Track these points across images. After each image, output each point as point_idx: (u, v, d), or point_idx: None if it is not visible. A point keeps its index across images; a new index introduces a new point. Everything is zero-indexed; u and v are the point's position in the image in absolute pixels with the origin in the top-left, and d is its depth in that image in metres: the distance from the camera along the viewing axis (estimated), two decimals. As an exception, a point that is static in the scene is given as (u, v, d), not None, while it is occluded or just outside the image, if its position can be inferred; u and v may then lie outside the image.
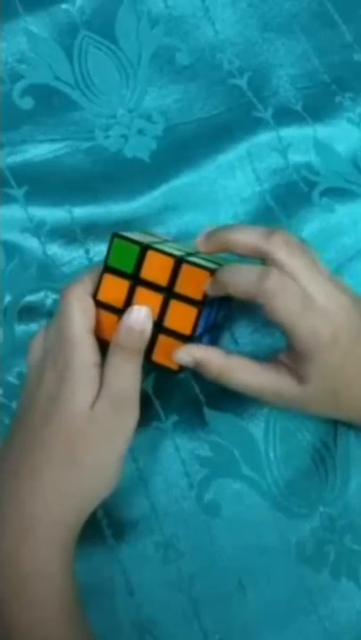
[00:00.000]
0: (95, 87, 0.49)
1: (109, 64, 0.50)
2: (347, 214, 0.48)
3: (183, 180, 0.47)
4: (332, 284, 0.36)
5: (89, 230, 0.46)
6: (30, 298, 0.45)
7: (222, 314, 0.42)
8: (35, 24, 0.50)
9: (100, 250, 0.46)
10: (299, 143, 0.49)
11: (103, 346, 0.37)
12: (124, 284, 0.37)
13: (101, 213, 0.46)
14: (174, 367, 0.37)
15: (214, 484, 0.43)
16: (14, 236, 0.46)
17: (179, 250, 0.38)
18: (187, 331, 0.36)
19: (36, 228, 0.46)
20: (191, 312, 0.36)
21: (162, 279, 0.36)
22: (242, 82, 0.50)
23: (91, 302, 0.37)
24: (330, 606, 0.42)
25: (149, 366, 0.37)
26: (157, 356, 0.37)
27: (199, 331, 0.37)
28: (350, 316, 0.36)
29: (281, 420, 0.44)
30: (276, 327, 0.36)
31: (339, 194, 0.48)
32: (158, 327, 0.36)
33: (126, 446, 0.36)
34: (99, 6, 0.51)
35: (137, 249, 0.36)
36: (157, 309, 0.36)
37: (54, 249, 0.46)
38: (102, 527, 0.42)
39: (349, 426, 0.43)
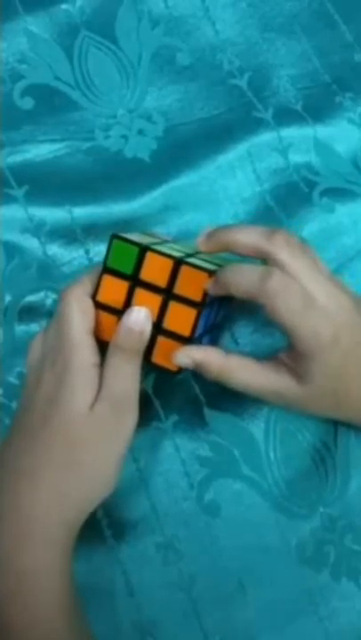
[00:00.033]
0: (95, 87, 0.49)
1: (110, 64, 0.50)
2: (347, 214, 0.48)
3: (183, 181, 0.47)
4: (332, 284, 0.36)
5: (89, 230, 0.46)
6: (30, 298, 0.45)
7: (222, 314, 0.42)
8: (35, 24, 0.50)
9: (100, 250, 0.46)
10: (299, 143, 0.49)
11: (102, 347, 0.37)
12: (123, 286, 0.36)
13: (102, 213, 0.46)
14: (173, 368, 0.37)
15: (215, 485, 0.43)
16: (14, 236, 0.46)
17: (178, 251, 0.38)
18: (186, 332, 0.36)
19: (36, 228, 0.46)
20: (190, 313, 0.36)
21: (161, 280, 0.36)
22: (242, 82, 0.50)
23: (90, 303, 0.37)
24: (330, 606, 0.42)
25: (149, 367, 0.37)
26: (157, 358, 0.37)
27: (198, 332, 0.37)
28: (351, 316, 0.36)
29: (281, 421, 0.44)
30: (277, 327, 0.36)
31: (339, 194, 0.48)
32: (157, 328, 0.36)
33: (126, 447, 0.36)
34: (99, 6, 0.51)
35: (136, 250, 0.36)
36: (157, 311, 0.36)
37: (54, 249, 0.46)
38: (102, 527, 0.42)
39: (349, 426, 0.43)
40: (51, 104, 0.49)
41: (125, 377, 0.36)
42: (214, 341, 0.43)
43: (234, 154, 0.48)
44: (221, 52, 0.51)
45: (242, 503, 0.43)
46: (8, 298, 0.45)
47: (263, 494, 0.43)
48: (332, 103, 0.50)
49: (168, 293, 0.36)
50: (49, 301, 0.45)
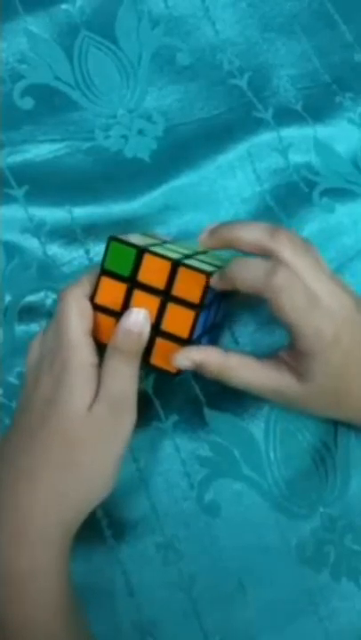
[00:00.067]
0: (95, 87, 0.49)
1: (110, 64, 0.50)
2: (347, 214, 0.48)
3: (183, 180, 0.47)
4: (334, 283, 0.36)
5: (89, 230, 0.46)
6: (30, 298, 0.45)
7: (222, 313, 0.42)
8: (35, 24, 0.50)
9: (100, 250, 0.46)
10: (299, 143, 0.49)
11: (101, 348, 0.37)
12: (121, 288, 0.36)
13: (102, 213, 0.46)
14: (173, 370, 0.36)
15: (215, 485, 0.43)
16: (14, 236, 0.46)
17: (176, 252, 0.37)
18: (184, 334, 0.36)
19: (36, 228, 0.46)
20: (189, 315, 0.36)
21: (159, 282, 0.36)
22: (242, 82, 0.50)
23: (88, 305, 0.37)
24: (330, 607, 0.42)
25: (148, 368, 0.37)
26: (155, 360, 0.37)
27: (197, 333, 0.37)
28: (352, 315, 0.36)
29: (281, 421, 0.44)
30: (278, 325, 0.36)
31: (339, 194, 0.48)
32: (156, 330, 0.36)
33: (124, 448, 0.36)
34: (99, 6, 0.51)
35: (133, 252, 0.36)
36: (155, 312, 0.36)
37: (54, 249, 0.46)
38: (102, 527, 0.42)
39: (350, 426, 0.43)
40: (51, 104, 0.49)
41: (124, 378, 0.36)
42: (214, 341, 0.43)
43: (234, 154, 0.48)
44: (221, 52, 0.51)
45: (242, 503, 0.43)
46: (8, 298, 0.45)
47: (263, 494, 0.43)
48: (332, 103, 0.50)
49: (166, 295, 0.36)
50: (49, 301, 0.45)
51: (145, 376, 0.44)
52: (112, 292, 0.37)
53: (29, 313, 0.45)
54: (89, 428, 0.35)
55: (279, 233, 0.36)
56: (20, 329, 0.45)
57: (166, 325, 0.36)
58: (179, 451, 0.43)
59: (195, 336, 0.36)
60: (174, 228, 0.47)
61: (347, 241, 0.47)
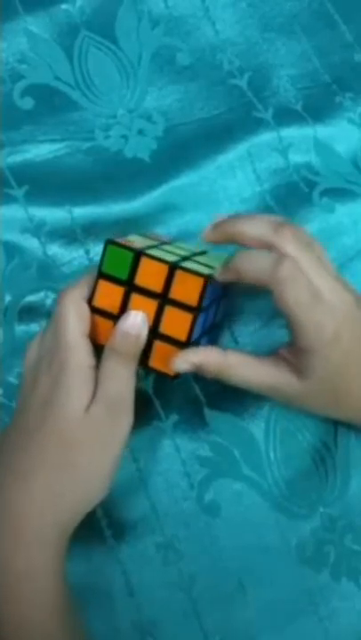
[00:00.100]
0: (95, 87, 0.49)
1: (110, 64, 0.50)
2: (347, 214, 0.48)
3: (183, 180, 0.47)
4: (336, 281, 0.36)
5: (89, 230, 0.46)
6: (30, 298, 0.45)
7: (221, 314, 0.42)
8: (35, 24, 0.50)
9: (100, 250, 0.45)
10: (299, 143, 0.49)
11: (98, 350, 0.37)
12: (118, 291, 0.36)
13: (102, 213, 0.46)
14: (171, 373, 0.36)
15: (215, 485, 0.43)
16: (14, 236, 0.46)
17: (174, 254, 0.37)
18: (182, 337, 0.36)
19: (36, 228, 0.46)
20: (186, 318, 0.35)
21: (156, 285, 0.36)
22: (242, 82, 0.50)
23: (86, 307, 0.37)
24: (330, 607, 0.42)
25: (147, 370, 0.37)
26: (154, 362, 0.37)
27: (195, 335, 0.37)
28: (353, 313, 0.36)
29: (281, 421, 0.44)
30: (278, 324, 0.36)
31: (339, 194, 0.48)
32: (154, 333, 0.36)
33: (121, 449, 0.36)
34: (99, 6, 0.51)
35: (130, 255, 0.36)
36: (153, 315, 0.36)
37: (54, 249, 0.46)
38: (102, 527, 0.42)
39: (350, 426, 0.43)
40: (51, 104, 0.49)
41: (121, 380, 0.36)
42: (214, 341, 0.43)
43: (234, 154, 0.48)
44: (221, 52, 0.51)
45: (242, 503, 0.43)
46: (8, 298, 0.45)
47: (263, 494, 0.43)
48: (332, 103, 0.50)
49: (164, 298, 0.36)
50: (49, 301, 0.45)
51: (145, 376, 0.44)
52: (110, 295, 0.36)
53: (29, 313, 0.45)
54: (86, 429, 0.35)
55: (283, 228, 0.36)
56: (20, 329, 0.45)
57: (164, 328, 0.36)
58: (179, 451, 0.43)
59: (193, 338, 0.36)
60: (174, 228, 0.47)
61: (347, 241, 0.47)
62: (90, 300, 0.37)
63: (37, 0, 0.50)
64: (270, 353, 0.38)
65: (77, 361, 0.35)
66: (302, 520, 0.43)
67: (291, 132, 0.49)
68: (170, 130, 0.49)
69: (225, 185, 0.48)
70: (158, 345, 0.36)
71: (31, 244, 0.46)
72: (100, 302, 0.37)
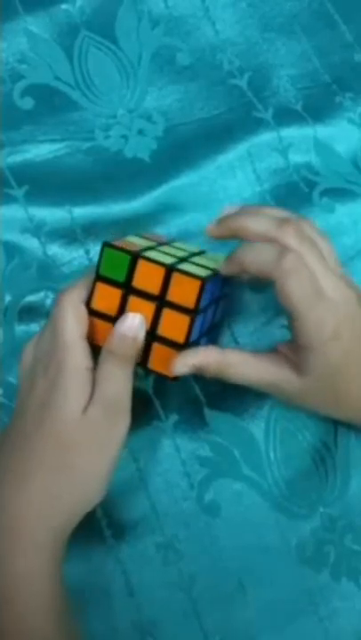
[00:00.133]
0: (95, 87, 0.49)
1: (110, 64, 0.50)
2: (347, 214, 0.48)
3: (183, 180, 0.47)
4: (339, 278, 0.36)
5: (89, 230, 0.46)
6: (30, 298, 0.45)
7: (220, 314, 0.42)
8: (35, 24, 0.50)
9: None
10: (299, 143, 0.49)
11: (95, 352, 0.37)
12: (116, 293, 0.36)
13: (102, 213, 0.46)
14: (170, 375, 0.36)
15: (215, 485, 0.43)
16: (14, 236, 0.46)
17: (172, 255, 0.37)
18: (180, 339, 0.36)
19: (37, 228, 0.46)
20: (184, 320, 0.35)
21: (153, 288, 0.36)
22: (242, 82, 0.50)
23: (84, 309, 0.37)
24: (330, 607, 0.42)
25: (146, 372, 0.37)
26: (153, 365, 0.37)
27: (194, 337, 0.37)
28: (355, 311, 0.36)
29: (281, 421, 0.44)
30: (278, 324, 0.36)
31: (339, 194, 0.48)
32: (152, 335, 0.36)
33: (118, 451, 0.36)
34: (99, 6, 0.51)
35: (128, 258, 0.36)
36: (151, 318, 0.36)
37: (54, 249, 0.46)
38: (102, 527, 0.42)
39: (350, 426, 0.43)
40: (51, 104, 0.49)
41: (118, 382, 0.35)
42: (213, 341, 0.43)
43: (234, 154, 0.48)
44: (221, 52, 0.51)
45: (242, 503, 0.43)
46: (8, 298, 0.45)
47: (263, 494, 0.43)
48: (332, 103, 0.50)
49: (161, 300, 0.36)
50: (49, 301, 0.45)
51: (145, 376, 0.44)
52: (107, 298, 0.36)
53: (29, 313, 0.45)
54: (83, 431, 0.35)
55: (288, 224, 0.36)
56: (20, 329, 0.45)
57: (162, 330, 0.36)
58: (179, 451, 0.43)
59: (192, 339, 0.36)
60: (174, 228, 0.47)
61: (347, 241, 0.47)
62: (88, 303, 0.37)
63: (37, 0, 0.50)
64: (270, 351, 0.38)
65: (75, 363, 0.35)
66: (302, 520, 0.43)
67: (291, 132, 0.49)
68: (170, 130, 0.49)
69: (225, 185, 0.48)
70: (157, 347, 0.36)
71: (31, 244, 0.46)
72: (98, 305, 0.37)
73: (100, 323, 0.37)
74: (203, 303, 0.36)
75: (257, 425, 0.44)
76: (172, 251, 0.39)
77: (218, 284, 0.38)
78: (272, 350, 0.38)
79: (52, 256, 0.46)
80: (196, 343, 0.38)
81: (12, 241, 0.46)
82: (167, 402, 0.44)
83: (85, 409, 0.35)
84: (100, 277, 0.37)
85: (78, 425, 0.35)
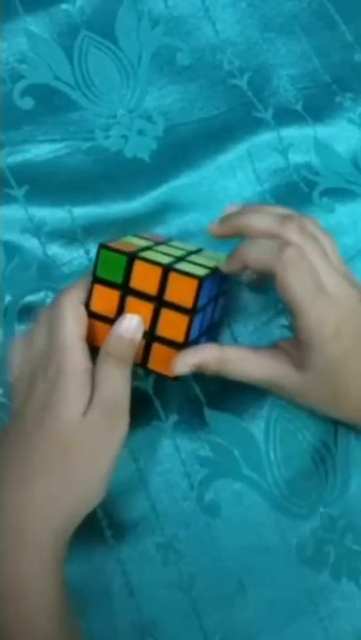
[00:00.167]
0: (95, 87, 0.49)
1: (110, 64, 0.50)
2: (347, 214, 0.48)
3: (183, 181, 0.47)
4: (341, 276, 0.36)
5: (89, 230, 0.46)
6: (30, 298, 0.45)
7: (219, 312, 0.42)
8: (35, 24, 0.50)
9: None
10: (299, 143, 0.49)
11: (95, 353, 0.37)
12: (114, 295, 0.36)
13: (101, 213, 0.46)
14: (171, 374, 0.36)
15: (215, 485, 0.43)
16: (14, 236, 0.46)
17: (169, 255, 0.37)
18: (179, 338, 0.36)
19: (37, 229, 0.46)
20: (183, 320, 0.35)
21: (151, 288, 0.36)
22: (242, 82, 0.50)
23: (83, 310, 0.37)
24: (330, 607, 0.42)
25: (147, 372, 0.37)
26: (153, 365, 0.37)
27: (193, 336, 0.37)
28: (357, 310, 0.36)
29: (281, 421, 0.44)
30: (277, 323, 0.36)
31: (339, 194, 0.48)
32: (152, 335, 0.36)
33: (118, 452, 0.36)
34: (99, 6, 0.51)
35: (124, 259, 0.36)
36: (149, 318, 0.36)
37: (54, 249, 0.46)
38: (102, 528, 0.42)
39: (350, 426, 0.43)
40: (51, 104, 0.49)
41: (116, 383, 0.35)
42: (213, 340, 0.43)
43: (234, 154, 0.48)
44: (221, 52, 0.51)
45: (242, 503, 0.43)
46: (8, 298, 0.45)
47: (263, 494, 0.43)
48: (332, 103, 0.50)
49: (159, 301, 0.36)
50: (49, 301, 0.45)
51: (145, 376, 0.44)
52: (106, 299, 0.36)
53: (29, 313, 0.45)
54: (84, 432, 0.35)
55: (290, 221, 0.36)
56: (20, 329, 0.44)
57: (161, 330, 0.36)
58: (179, 451, 0.43)
59: (191, 338, 0.36)
60: (174, 228, 0.47)
61: (347, 241, 0.47)
62: (87, 305, 0.37)
63: (37, 0, 0.50)
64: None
65: (74, 364, 0.35)
66: (302, 520, 0.43)
67: (291, 132, 0.49)
68: (170, 130, 0.49)
69: (225, 185, 0.48)
70: (157, 347, 0.36)
71: (31, 244, 0.46)
72: (96, 306, 0.37)
73: (99, 324, 0.37)
74: (201, 302, 0.36)
75: (257, 425, 0.44)
76: (169, 250, 0.39)
77: (216, 282, 0.38)
78: (271, 347, 0.38)
79: (52, 256, 0.46)
80: (196, 342, 0.38)
81: (12, 241, 0.46)
82: (167, 402, 0.44)
83: (85, 411, 0.35)
84: (97, 279, 0.36)
85: (79, 426, 0.35)
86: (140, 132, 0.49)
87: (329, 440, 0.44)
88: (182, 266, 0.36)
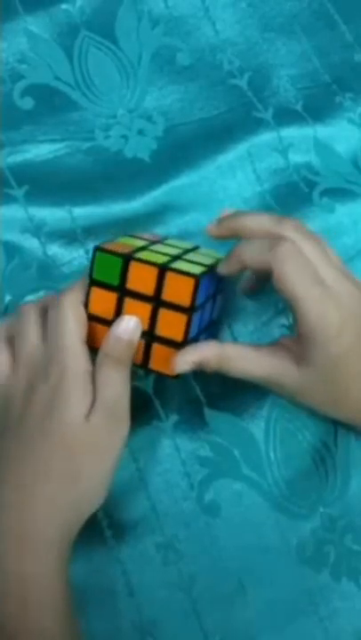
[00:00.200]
0: (95, 87, 0.49)
1: (110, 64, 0.50)
2: (347, 214, 0.48)
3: (183, 181, 0.47)
4: (340, 273, 0.36)
5: (89, 230, 0.46)
6: (30, 298, 0.45)
7: (218, 310, 0.42)
8: (35, 24, 0.50)
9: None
10: (299, 143, 0.49)
11: (95, 354, 0.37)
12: (112, 297, 0.36)
13: (101, 213, 0.46)
14: (172, 373, 0.36)
15: (215, 485, 0.43)
16: (14, 236, 0.46)
17: (165, 254, 0.37)
18: (179, 337, 0.36)
19: (37, 229, 0.46)
20: (181, 319, 0.35)
21: (148, 289, 0.35)
22: (242, 82, 0.50)
23: (84, 311, 0.37)
24: (330, 607, 0.42)
25: (148, 372, 0.37)
26: (154, 365, 0.37)
27: (193, 334, 0.37)
28: (358, 309, 0.36)
29: (281, 421, 0.44)
30: (277, 322, 0.36)
31: (339, 194, 0.48)
32: (151, 336, 0.36)
33: (120, 453, 0.36)
34: (99, 6, 0.51)
35: (120, 261, 0.36)
36: (148, 318, 0.36)
37: (54, 249, 0.46)
38: (103, 528, 0.42)
39: (350, 427, 0.43)
40: (51, 104, 0.49)
41: (116, 385, 0.36)
42: (213, 337, 0.43)
43: (234, 154, 0.48)
44: (221, 52, 0.51)
45: (242, 503, 0.43)
46: (8, 298, 0.45)
47: (263, 494, 0.43)
48: (332, 103, 0.50)
49: (157, 301, 0.36)
50: (49, 301, 0.45)
51: (145, 376, 0.44)
52: (103, 302, 0.36)
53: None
54: (87, 435, 0.35)
55: (287, 221, 0.37)
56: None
57: (160, 330, 0.36)
58: (179, 451, 0.43)
59: (191, 336, 0.36)
60: (174, 228, 0.47)
61: (347, 241, 0.47)
62: (85, 307, 0.37)
63: (37, 0, 0.50)
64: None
65: (77, 367, 0.35)
66: (302, 520, 0.43)
67: (291, 132, 0.49)
68: (170, 130, 0.49)
69: (225, 185, 0.48)
70: (157, 347, 0.36)
71: (31, 244, 0.46)
72: (94, 309, 0.37)
73: (97, 326, 0.37)
74: (199, 300, 0.36)
75: (257, 425, 0.44)
76: (165, 249, 0.38)
77: (213, 280, 0.38)
78: (272, 343, 0.38)
79: (52, 256, 0.46)
80: (196, 340, 0.38)
81: (12, 241, 0.46)
82: (167, 402, 0.44)
83: (88, 413, 0.35)
84: (94, 282, 0.36)
85: (82, 428, 0.35)
86: (140, 132, 0.49)
87: (329, 440, 0.44)
88: (179, 265, 0.36)
